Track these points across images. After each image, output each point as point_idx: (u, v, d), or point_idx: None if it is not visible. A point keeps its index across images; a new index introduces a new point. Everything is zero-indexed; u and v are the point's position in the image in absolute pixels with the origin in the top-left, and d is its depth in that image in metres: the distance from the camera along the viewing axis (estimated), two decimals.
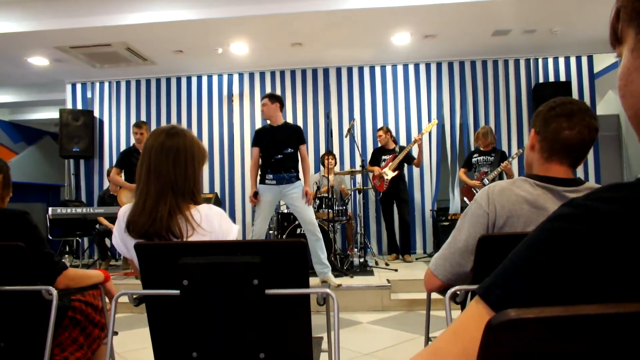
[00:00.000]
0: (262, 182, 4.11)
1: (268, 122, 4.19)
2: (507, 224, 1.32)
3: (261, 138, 4.13)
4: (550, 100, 1.39)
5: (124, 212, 1.45)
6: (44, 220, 5.64)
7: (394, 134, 5.94)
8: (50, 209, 5.09)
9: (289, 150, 4.09)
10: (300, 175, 4.19)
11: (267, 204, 4.08)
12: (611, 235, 0.41)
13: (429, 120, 6.38)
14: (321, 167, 6.03)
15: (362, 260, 4.97)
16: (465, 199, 5.30)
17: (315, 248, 4.01)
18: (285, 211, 5.02)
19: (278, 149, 4.05)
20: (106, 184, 6.41)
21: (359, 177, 5.94)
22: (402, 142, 6.26)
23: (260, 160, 4.16)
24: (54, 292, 1.57)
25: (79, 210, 5.15)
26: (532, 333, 0.37)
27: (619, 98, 0.50)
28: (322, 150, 6.40)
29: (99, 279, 1.85)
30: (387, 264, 5.15)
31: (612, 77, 6.57)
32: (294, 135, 4.14)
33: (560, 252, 0.44)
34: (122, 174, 4.79)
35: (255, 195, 4.07)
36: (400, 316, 3.86)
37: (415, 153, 5.55)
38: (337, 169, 6.17)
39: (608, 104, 6.88)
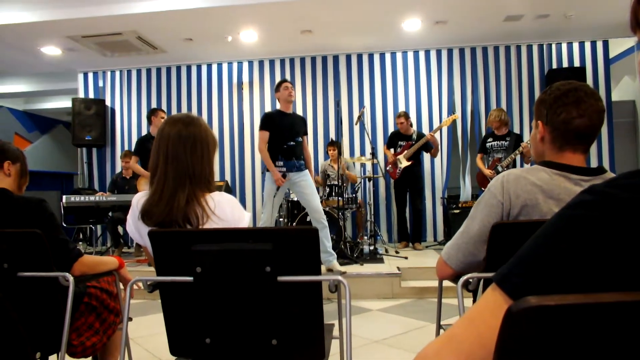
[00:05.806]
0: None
1: (277, 107, 4.18)
2: (522, 214, 1.28)
3: (275, 123, 4.05)
4: (553, 88, 1.32)
5: (137, 199, 1.46)
6: (57, 208, 5.72)
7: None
8: (64, 197, 5.17)
9: (299, 138, 4.10)
10: None
11: (276, 191, 4.08)
12: (628, 222, 0.41)
13: (440, 108, 6.32)
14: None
15: (372, 248, 4.98)
16: (481, 188, 5.17)
17: (320, 236, 4.00)
18: (296, 199, 5.03)
19: (291, 136, 4.05)
20: (118, 171, 6.46)
21: (369, 165, 5.92)
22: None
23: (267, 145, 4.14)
24: (70, 278, 1.59)
25: (92, 198, 5.21)
26: (553, 320, 0.37)
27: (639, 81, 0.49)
28: (333, 138, 6.38)
29: (114, 265, 1.88)
30: (397, 252, 5.15)
31: (628, 62, 6.42)
32: (303, 125, 4.22)
33: (578, 239, 0.43)
34: (138, 162, 4.83)
35: (284, 176, 4.03)
36: (411, 304, 3.87)
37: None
38: (346, 155, 6.15)
39: (623, 90, 6.75)
